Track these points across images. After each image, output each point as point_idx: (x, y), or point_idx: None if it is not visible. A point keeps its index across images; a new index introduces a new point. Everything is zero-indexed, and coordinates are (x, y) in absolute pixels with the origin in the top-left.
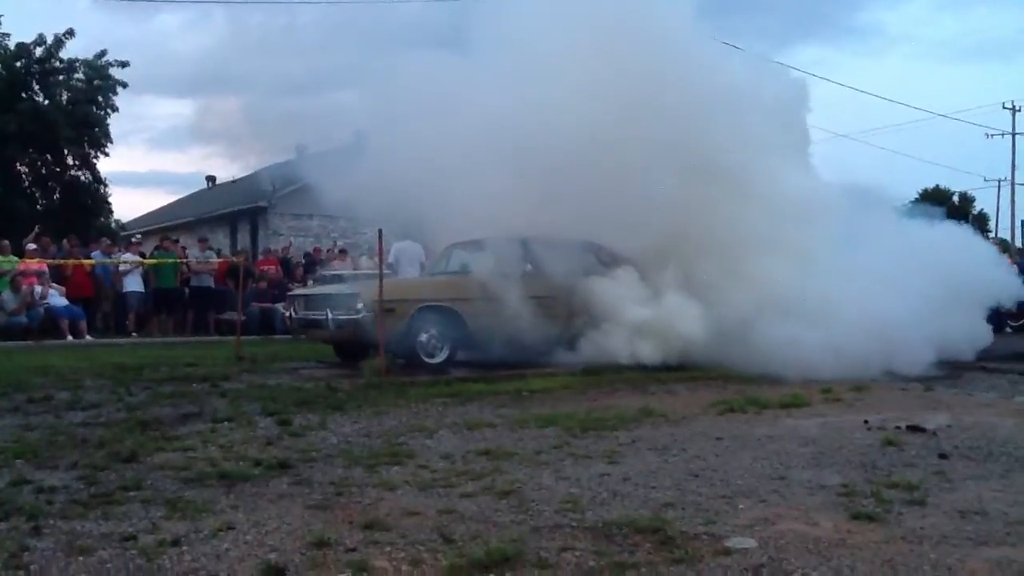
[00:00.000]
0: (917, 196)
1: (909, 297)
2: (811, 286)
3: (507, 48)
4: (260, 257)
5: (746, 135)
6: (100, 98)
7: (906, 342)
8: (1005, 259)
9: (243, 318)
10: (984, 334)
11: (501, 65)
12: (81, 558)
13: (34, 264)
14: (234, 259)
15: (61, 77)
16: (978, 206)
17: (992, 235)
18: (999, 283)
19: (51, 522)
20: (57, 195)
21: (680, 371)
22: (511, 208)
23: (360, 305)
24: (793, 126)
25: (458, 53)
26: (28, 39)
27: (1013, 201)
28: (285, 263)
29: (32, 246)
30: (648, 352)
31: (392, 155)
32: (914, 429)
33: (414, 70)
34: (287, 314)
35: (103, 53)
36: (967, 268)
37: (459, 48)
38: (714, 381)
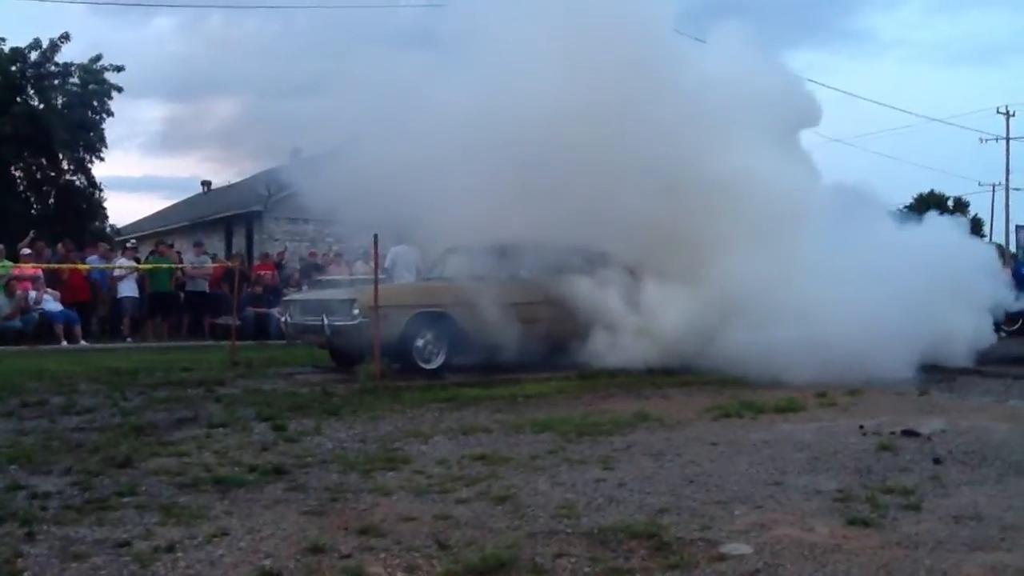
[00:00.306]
0: (912, 200)
1: (899, 299)
2: (792, 288)
3: (490, 51)
4: (256, 262)
5: (728, 133)
6: (95, 102)
7: (892, 346)
8: (999, 265)
9: (238, 323)
10: (985, 334)
11: (483, 67)
12: (75, 564)
13: (28, 269)
14: (229, 264)
15: (56, 81)
16: (972, 210)
17: (987, 240)
18: (988, 296)
19: (45, 528)
20: (52, 199)
21: (675, 375)
22: (495, 211)
23: (356, 310)
24: (780, 122)
25: (443, 57)
26: (24, 43)
27: (1007, 206)
28: (280, 268)
29: (26, 250)
30: (640, 355)
31: (375, 160)
32: (909, 434)
33: (397, 74)
34: (283, 319)
35: (98, 57)
36: (959, 276)
37: (445, 52)
38: (709, 385)
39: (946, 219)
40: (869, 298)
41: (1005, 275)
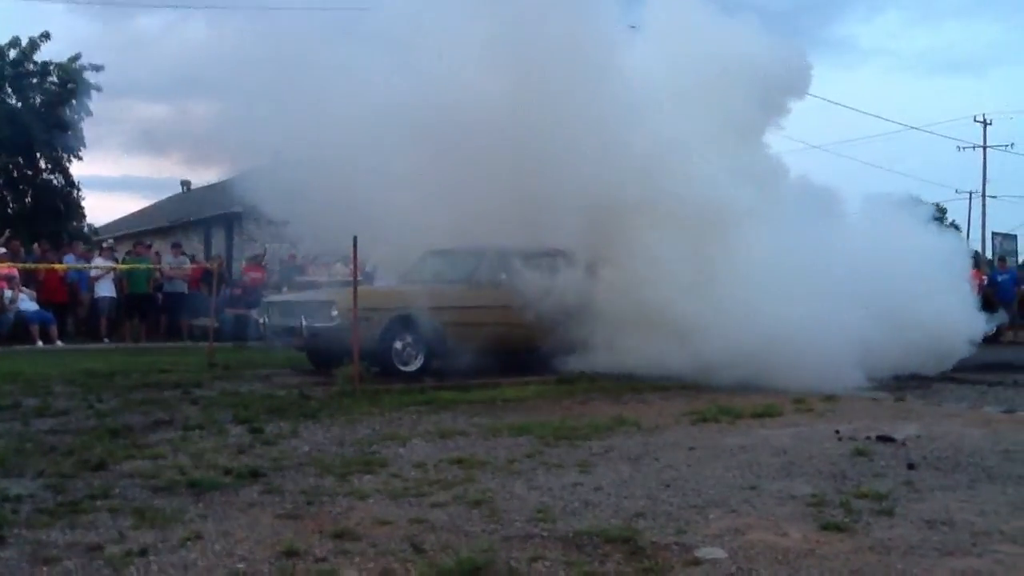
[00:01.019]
0: None
1: (859, 303)
2: (724, 296)
3: (430, 52)
4: (245, 262)
5: (662, 145)
6: (74, 101)
7: (843, 353)
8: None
9: (216, 324)
10: (956, 349)
11: (424, 65)
12: (46, 568)
13: (4, 268)
14: (208, 264)
15: (35, 80)
16: (950, 218)
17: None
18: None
19: (16, 531)
20: (29, 198)
21: (653, 380)
22: (449, 216)
23: (335, 313)
24: (736, 113)
25: (391, 58)
26: (2, 41)
27: (984, 213)
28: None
29: (2, 250)
30: (609, 360)
31: (323, 166)
32: (884, 439)
33: (345, 76)
34: (261, 321)
35: (77, 56)
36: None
37: (398, 54)
38: (687, 391)
39: (902, 206)
40: (819, 302)
41: (973, 285)
